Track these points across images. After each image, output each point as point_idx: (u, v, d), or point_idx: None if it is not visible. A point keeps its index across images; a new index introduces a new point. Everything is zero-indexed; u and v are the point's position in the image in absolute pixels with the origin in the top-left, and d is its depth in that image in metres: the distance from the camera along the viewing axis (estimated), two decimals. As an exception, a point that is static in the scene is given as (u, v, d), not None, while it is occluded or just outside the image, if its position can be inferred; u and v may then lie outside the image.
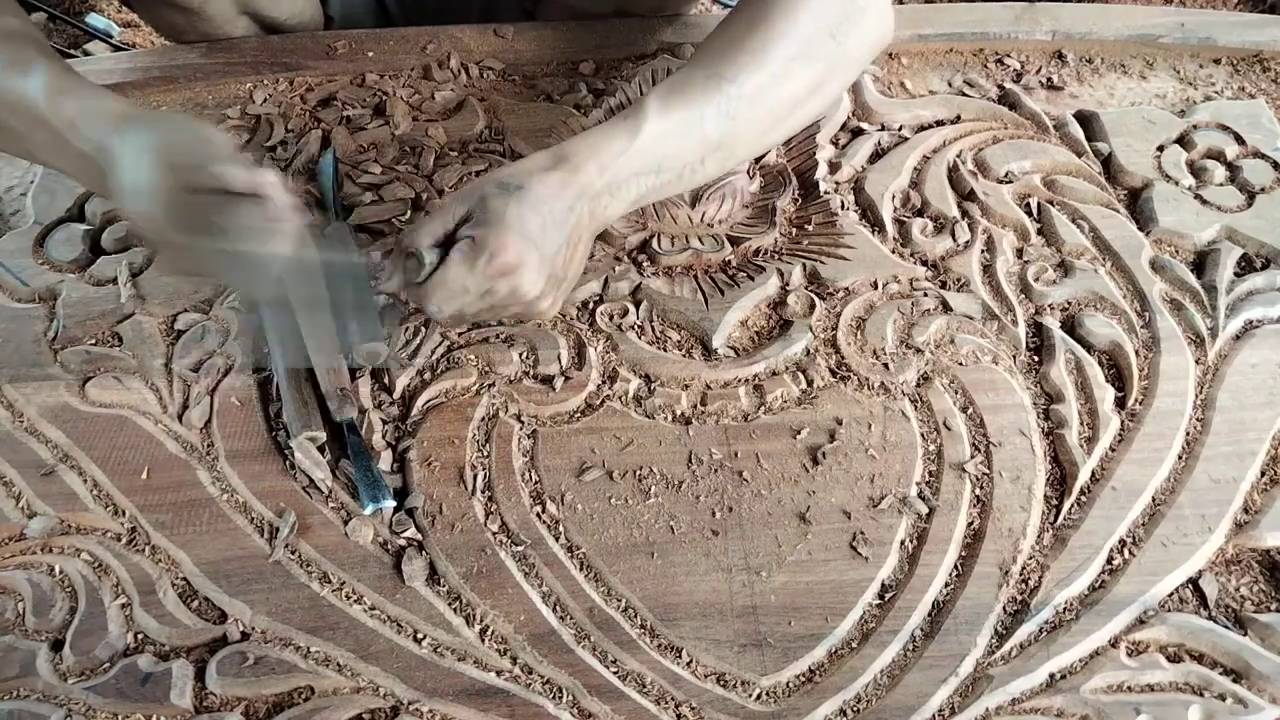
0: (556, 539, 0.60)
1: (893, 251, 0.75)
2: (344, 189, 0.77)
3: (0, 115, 0.61)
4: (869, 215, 0.78)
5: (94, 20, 1.67)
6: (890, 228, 0.76)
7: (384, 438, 0.64)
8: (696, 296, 0.71)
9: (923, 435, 0.64)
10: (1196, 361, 0.68)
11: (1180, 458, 0.63)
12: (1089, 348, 0.69)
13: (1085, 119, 0.85)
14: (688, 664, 0.55)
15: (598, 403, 0.66)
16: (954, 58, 0.92)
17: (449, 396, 0.66)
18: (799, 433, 0.64)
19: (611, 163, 0.62)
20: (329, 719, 0.53)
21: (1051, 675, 0.55)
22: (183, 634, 0.56)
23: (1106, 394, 0.66)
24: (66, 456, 0.63)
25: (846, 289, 0.72)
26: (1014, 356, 0.69)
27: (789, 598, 0.57)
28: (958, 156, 0.81)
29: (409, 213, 0.76)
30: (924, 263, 0.74)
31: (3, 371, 0.67)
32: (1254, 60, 0.92)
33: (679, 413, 0.66)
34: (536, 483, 0.62)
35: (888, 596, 0.58)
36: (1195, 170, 0.80)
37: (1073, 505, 0.61)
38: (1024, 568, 0.59)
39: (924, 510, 0.61)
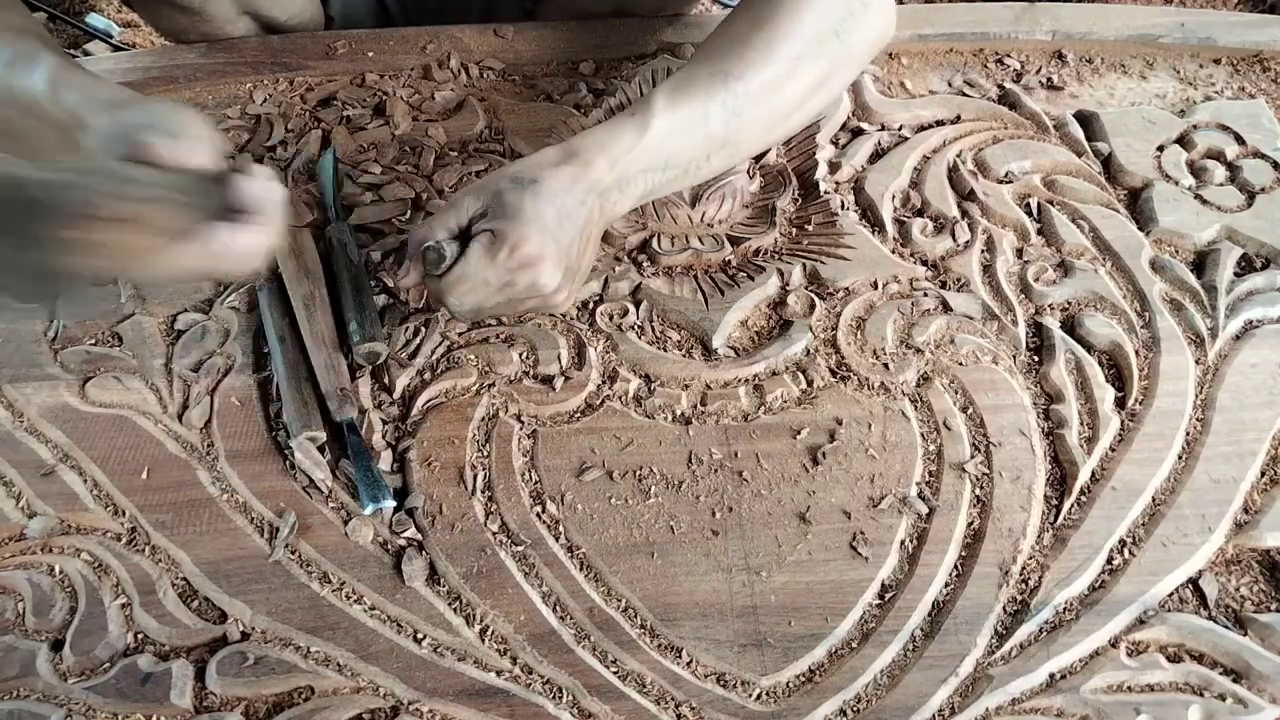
0: (556, 539, 0.60)
1: (893, 251, 0.75)
2: (344, 189, 0.77)
3: (7, 114, 0.60)
4: (869, 215, 0.78)
5: (94, 20, 1.67)
6: (890, 228, 0.76)
7: (384, 438, 0.64)
8: (696, 296, 0.71)
9: (923, 435, 0.64)
10: (1196, 361, 0.68)
11: (1180, 458, 0.63)
12: (1089, 348, 0.69)
13: (1085, 119, 0.85)
14: (688, 664, 0.55)
15: (598, 403, 0.66)
16: (954, 58, 0.92)
17: (449, 396, 0.66)
18: (799, 433, 0.64)
19: (620, 158, 0.62)
20: (329, 719, 0.53)
21: (1051, 675, 0.55)
22: (183, 634, 0.56)
23: (1106, 394, 0.66)
24: (66, 456, 0.63)
25: (846, 289, 0.72)
26: (1014, 356, 0.69)
27: (789, 598, 0.57)
28: (958, 156, 0.81)
29: (409, 213, 0.76)
30: (924, 263, 0.74)
31: (3, 371, 0.67)
32: (1254, 60, 0.92)
33: (679, 413, 0.66)
34: (536, 483, 0.62)
35: (888, 596, 0.58)
36: (1195, 170, 0.80)
37: (1073, 505, 0.61)
38: (1024, 568, 0.59)
39: (924, 510, 0.61)
